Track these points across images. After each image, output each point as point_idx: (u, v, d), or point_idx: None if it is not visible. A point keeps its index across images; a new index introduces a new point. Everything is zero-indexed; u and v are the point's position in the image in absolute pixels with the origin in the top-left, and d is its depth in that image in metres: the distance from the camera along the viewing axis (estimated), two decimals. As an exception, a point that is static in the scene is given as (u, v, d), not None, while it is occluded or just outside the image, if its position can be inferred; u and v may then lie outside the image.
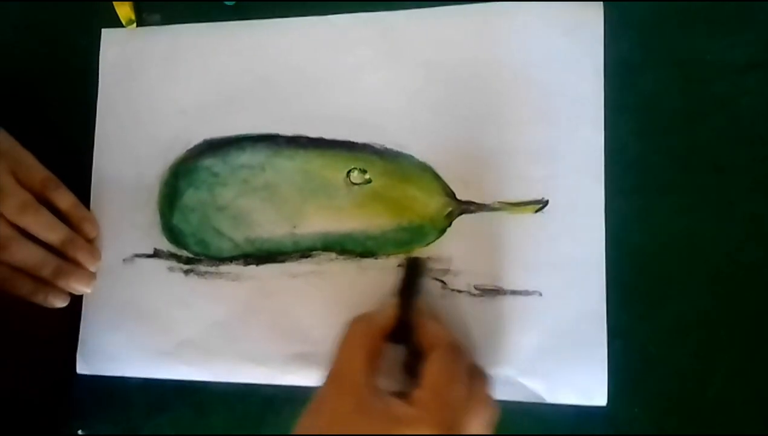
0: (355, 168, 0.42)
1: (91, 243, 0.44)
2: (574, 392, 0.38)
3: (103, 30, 0.47)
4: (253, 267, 0.43)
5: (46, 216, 0.42)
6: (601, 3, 0.40)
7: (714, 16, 0.40)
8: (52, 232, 0.42)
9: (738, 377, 0.38)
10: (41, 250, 0.42)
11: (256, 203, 0.43)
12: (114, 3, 0.46)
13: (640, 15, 0.40)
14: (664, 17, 0.40)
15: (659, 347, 0.38)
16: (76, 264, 0.43)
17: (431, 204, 0.41)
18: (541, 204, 0.40)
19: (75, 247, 0.43)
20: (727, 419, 0.38)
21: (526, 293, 0.39)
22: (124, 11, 0.46)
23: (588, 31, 0.40)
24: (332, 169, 0.43)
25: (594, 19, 0.40)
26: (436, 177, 0.41)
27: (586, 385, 0.38)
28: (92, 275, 0.44)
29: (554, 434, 0.39)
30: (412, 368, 0.35)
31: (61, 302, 0.43)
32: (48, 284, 0.43)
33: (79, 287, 0.43)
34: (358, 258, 0.42)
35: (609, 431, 0.38)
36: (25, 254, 0.42)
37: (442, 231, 0.41)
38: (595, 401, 0.38)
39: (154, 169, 0.45)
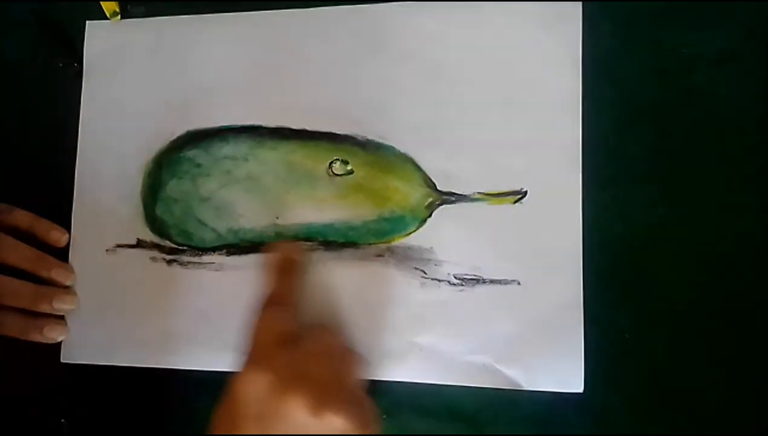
0: (337, 159, 0.43)
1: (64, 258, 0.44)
2: (551, 380, 0.39)
3: (87, 22, 0.47)
4: (236, 257, 0.43)
5: (7, 239, 0.42)
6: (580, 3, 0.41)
7: (690, 9, 0.40)
8: (18, 253, 0.42)
9: (713, 364, 0.38)
10: (13, 279, 0.42)
11: (239, 194, 0.44)
12: (98, -5, 0.46)
13: (617, 8, 0.41)
14: (641, 10, 0.41)
15: (635, 335, 0.39)
16: (54, 284, 0.43)
17: (412, 195, 0.42)
18: (519, 195, 0.40)
19: (46, 265, 0.43)
20: (702, 406, 0.38)
21: (505, 281, 0.40)
22: (108, 4, 0.46)
23: (566, 24, 0.41)
24: (314, 161, 0.43)
25: (572, 13, 0.41)
26: (417, 168, 0.42)
27: (563, 372, 0.39)
28: (73, 293, 0.44)
29: (532, 420, 0.40)
30: None
31: (59, 334, 0.43)
32: (38, 319, 0.43)
33: (62, 307, 0.43)
34: (340, 248, 0.42)
35: (585, 418, 0.39)
36: None
37: (423, 221, 0.41)
38: (572, 388, 0.39)
39: (138, 160, 0.45)
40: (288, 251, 0.41)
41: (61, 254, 0.45)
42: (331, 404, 0.33)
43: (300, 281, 0.41)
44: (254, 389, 0.34)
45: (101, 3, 0.46)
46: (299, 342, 0.36)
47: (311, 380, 0.34)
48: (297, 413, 0.33)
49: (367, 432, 0.34)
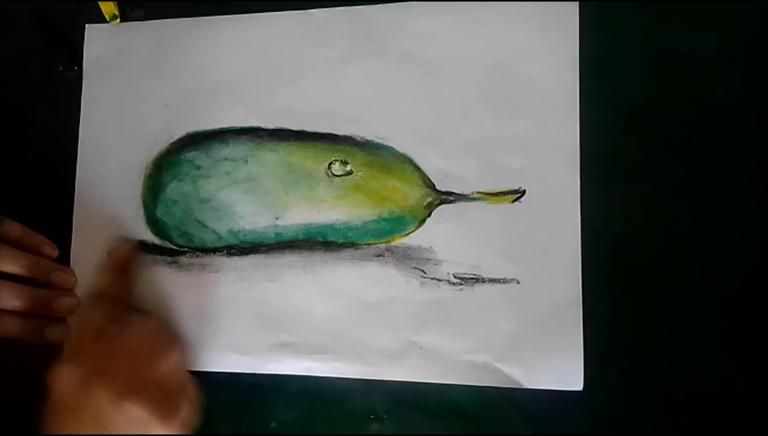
0: (336, 160, 0.43)
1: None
2: (551, 378, 0.39)
3: (87, 25, 0.47)
4: (236, 258, 0.43)
5: (3, 248, 0.42)
6: (577, 3, 0.41)
7: (687, 9, 0.41)
8: (15, 261, 0.42)
9: (712, 362, 0.38)
10: (12, 284, 0.42)
11: (239, 195, 0.44)
12: (98, -2, 0.46)
13: (614, 8, 0.41)
14: (638, 10, 0.41)
15: (634, 333, 0.39)
16: (54, 288, 0.43)
17: (411, 195, 0.42)
18: (518, 194, 0.41)
19: (44, 270, 0.43)
20: (702, 404, 0.38)
21: (504, 280, 0.40)
22: (107, 7, 0.46)
23: (563, 24, 0.41)
24: (314, 161, 0.43)
25: (569, 13, 0.41)
26: (416, 168, 0.42)
27: (563, 370, 0.39)
28: (72, 295, 0.44)
29: (532, 419, 0.40)
30: None
31: (60, 335, 0.43)
32: (39, 320, 0.43)
33: (62, 309, 0.43)
34: (340, 248, 0.42)
35: (585, 416, 0.39)
36: None
37: (422, 221, 0.41)
38: (572, 386, 0.39)
39: (138, 162, 0.45)
40: (124, 251, 0.44)
41: (63, 256, 0.45)
42: (131, 395, 0.35)
43: (130, 280, 0.43)
44: (64, 382, 0.36)
45: (100, 6, 0.46)
46: (115, 336, 0.38)
47: (115, 372, 0.36)
48: (100, 404, 0.35)
49: (172, 422, 0.36)
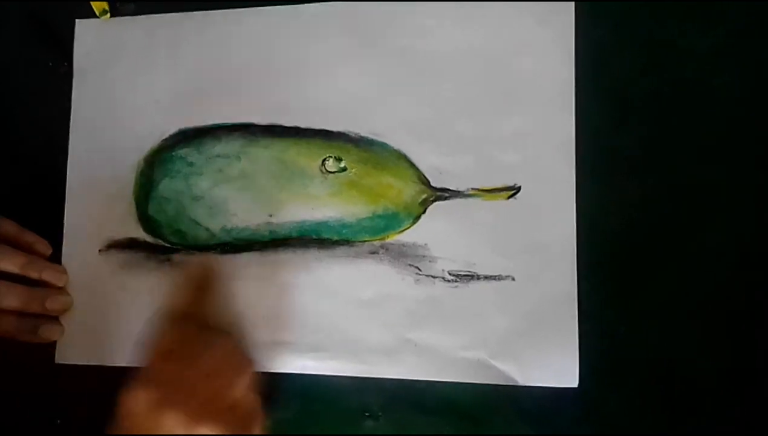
0: (330, 156, 0.43)
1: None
2: (546, 375, 0.39)
3: (77, 21, 0.47)
4: (230, 256, 0.43)
5: None
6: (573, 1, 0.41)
7: (683, 3, 0.40)
8: (7, 258, 0.42)
9: (708, 358, 0.38)
10: (4, 282, 0.41)
11: (232, 193, 0.43)
12: (87, -7, 0.46)
13: (610, 3, 0.41)
14: (634, 4, 0.41)
15: (629, 329, 0.39)
16: (46, 286, 0.43)
17: (406, 191, 0.41)
18: (513, 190, 0.40)
19: (37, 268, 0.43)
20: (697, 400, 0.38)
21: (500, 277, 0.40)
22: (98, 3, 0.46)
23: (559, 19, 0.41)
24: (307, 158, 0.43)
25: (565, 8, 0.41)
26: (411, 164, 0.42)
27: (558, 367, 0.39)
28: (65, 294, 0.44)
29: (527, 416, 0.40)
30: None
31: (53, 335, 0.43)
32: (32, 319, 0.43)
33: (55, 307, 0.43)
34: (334, 246, 0.42)
35: (580, 412, 0.39)
36: None
37: (417, 218, 0.41)
38: (567, 383, 0.39)
39: (129, 159, 0.45)
40: (202, 268, 0.43)
41: (54, 254, 0.44)
42: (205, 420, 0.34)
43: (207, 297, 0.42)
44: (137, 404, 0.34)
45: (90, 1, 0.46)
46: (191, 357, 0.37)
47: (190, 395, 0.35)
48: (173, 429, 0.33)
49: None
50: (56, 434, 0.45)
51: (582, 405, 0.39)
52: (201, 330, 0.40)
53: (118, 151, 0.45)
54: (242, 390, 0.37)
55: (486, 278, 0.40)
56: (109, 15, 0.46)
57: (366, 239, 0.42)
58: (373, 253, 0.41)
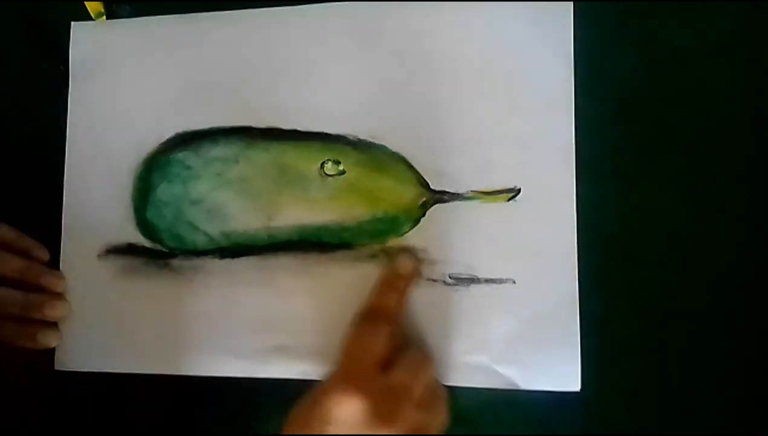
0: (328, 159, 0.42)
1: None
2: (548, 379, 0.39)
3: (72, 23, 0.46)
4: (228, 260, 0.43)
5: None
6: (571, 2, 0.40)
7: (682, 3, 0.40)
8: (5, 263, 0.42)
9: (710, 361, 0.38)
10: (3, 288, 0.41)
11: (231, 196, 0.43)
12: (83, -4, 0.45)
13: (608, 3, 0.40)
14: (632, 6, 0.40)
15: (632, 333, 0.39)
16: (44, 292, 0.43)
17: (405, 194, 0.41)
18: (513, 192, 0.40)
19: (35, 273, 0.43)
20: (700, 404, 0.38)
21: (500, 280, 0.40)
22: (93, 4, 0.45)
23: (558, 20, 0.40)
24: (306, 161, 0.43)
25: (564, 9, 0.40)
26: (410, 167, 0.41)
27: (560, 371, 0.39)
28: (64, 300, 0.44)
29: (529, 420, 0.39)
30: None
31: (52, 341, 0.43)
32: (32, 325, 0.42)
33: (54, 314, 0.43)
34: (334, 250, 0.42)
35: (583, 417, 0.39)
36: None
37: (417, 221, 0.41)
38: (569, 387, 0.38)
39: (127, 163, 0.44)
40: (405, 266, 0.40)
41: (52, 260, 0.44)
42: None
43: (406, 299, 0.40)
44: (348, 413, 0.33)
45: (86, 4, 0.45)
46: (394, 368, 0.35)
47: (404, 419, 0.33)
48: None
49: None
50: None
51: (584, 409, 0.39)
52: (402, 336, 0.38)
53: (115, 154, 0.45)
54: (442, 421, 0.36)
55: (486, 281, 0.40)
56: (105, 17, 0.46)
57: (366, 243, 0.41)
58: (373, 256, 0.41)
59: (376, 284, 0.40)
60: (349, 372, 0.35)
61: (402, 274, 0.39)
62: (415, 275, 0.40)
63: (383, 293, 0.39)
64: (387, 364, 0.35)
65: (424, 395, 0.35)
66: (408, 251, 0.40)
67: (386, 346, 0.36)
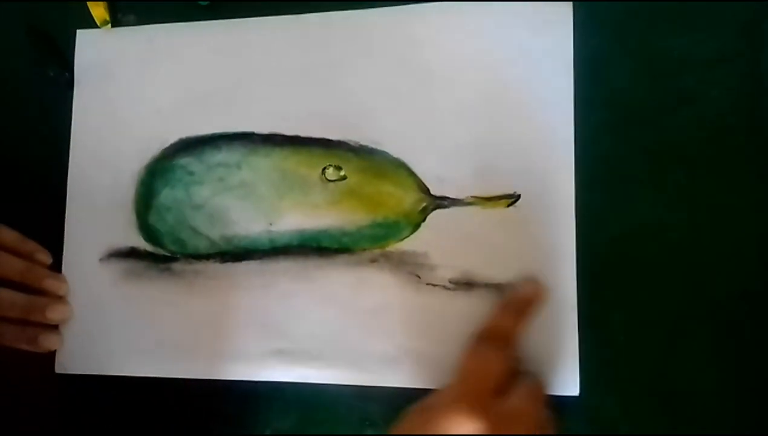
0: (330, 165, 0.43)
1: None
2: (548, 383, 0.39)
3: (78, 31, 0.47)
4: (230, 265, 0.43)
5: None
6: (571, 3, 0.41)
7: (681, 11, 0.41)
8: (7, 266, 0.42)
9: (709, 364, 0.38)
10: (5, 290, 0.41)
11: (232, 201, 0.43)
12: (88, 3, 0.46)
13: (608, 10, 0.41)
14: (632, 14, 0.41)
15: (630, 337, 0.39)
16: (46, 295, 0.43)
17: (406, 200, 0.42)
18: (513, 198, 0.40)
19: (37, 276, 0.43)
20: (699, 407, 0.38)
21: (500, 285, 0.40)
22: (98, 12, 0.46)
23: (557, 28, 0.41)
24: (307, 167, 0.43)
25: (563, 16, 0.41)
26: (410, 173, 0.42)
27: (559, 375, 0.39)
28: (65, 303, 0.44)
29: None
30: None
31: (53, 344, 0.43)
32: (33, 328, 0.42)
33: (55, 317, 0.43)
34: (334, 254, 0.42)
35: (582, 421, 0.39)
36: None
37: (417, 226, 0.41)
38: (568, 391, 0.39)
39: (130, 168, 0.45)
40: (532, 291, 0.39)
41: (54, 263, 0.44)
42: None
43: (527, 324, 0.38)
44: (462, 433, 0.32)
45: (91, 11, 0.46)
46: (512, 394, 0.34)
47: None
48: None
49: None
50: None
51: (583, 413, 0.39)
52: (517, 362, 0.37)
53: (118, 160, 0.45)
54: None
55: (486, 286, 0.40)
56: (110, 25, 0.46)
57: (366, 248, 0.42)
58: (374, 261, 0.41)
59: (497, 304, 0.39)
60: (466, 392, 0.34)
61: (526, 298, 0.39)
62: (540, 300, 0.38)
63: (504, 315, 0.38)
64: (502, 388, 0.34)
65: (537, 424, 0.34)
66: (532, 277, 0.39)
67: (504, 370, 0.35)
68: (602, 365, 0.39)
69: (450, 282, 0.41)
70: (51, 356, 0.44)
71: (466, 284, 0.40)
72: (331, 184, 0.43)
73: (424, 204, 0.41)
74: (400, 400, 0.40)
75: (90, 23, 0.46)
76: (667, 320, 0.39)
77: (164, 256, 0.44)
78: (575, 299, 0.39)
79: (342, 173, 0.42)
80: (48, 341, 0.43)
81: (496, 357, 0.35)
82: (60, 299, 0.44)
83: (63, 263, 0.45)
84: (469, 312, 0.40)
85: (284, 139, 0.43)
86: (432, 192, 0.41)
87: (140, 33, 0.46)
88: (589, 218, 0.40)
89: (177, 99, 0.45)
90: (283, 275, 0.42)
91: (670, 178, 0.40)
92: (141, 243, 0.44)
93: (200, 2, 0.45)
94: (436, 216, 0.41)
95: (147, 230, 0.44)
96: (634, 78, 0.41)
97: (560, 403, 0.38)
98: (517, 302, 0.38)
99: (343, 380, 0.41)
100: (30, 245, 0.44)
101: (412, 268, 0.41)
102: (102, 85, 0.46)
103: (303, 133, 0.43)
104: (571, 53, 0.41)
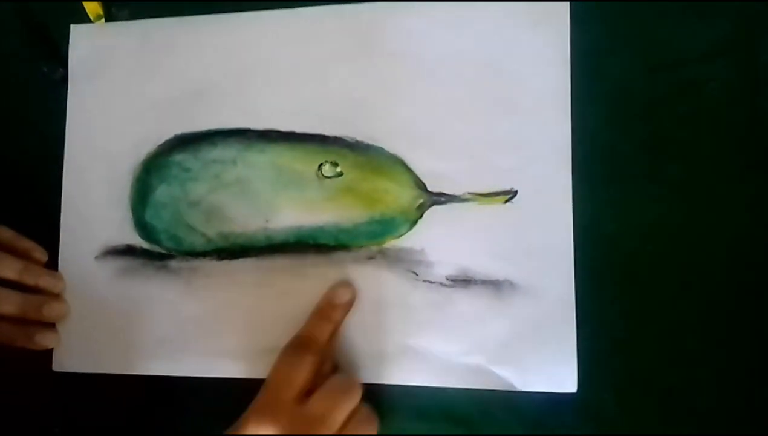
0: (326, 161, 0.42)
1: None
2: (545, 380, 0.39)
3: (71, 25, 0.46)
4: (226, 262, 0.43)
5: None
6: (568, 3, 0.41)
7: (679, 5, 0.40)
8: (3, 264, 0.42)
9: (706, 362, 0.38)
10: (3, 289, 0.41)
11: (229, 198, 0.43)
12: (82, -2, 0.45)
13: (605, 5, 0.41)
14: (629, 7, 0.41)
15: (628, 334, 0.39)
16: (43, 293, 0.43)
17: (402, 196, 0.41)
18: (510, 194, 0.40)
19: (33, 274, 0.43)
20: (696, 404, 0.38)
21: (497, 282, 0.40)
22: (92, 7, 0.46)
23: (554, 22, 0.41)
24: (304, 163, 0.43)
25: (560, 10, 0.41)
26: (407, 169, 0.41)
27: (556, 372, 0.39)
28: (62, 301, 0.44)
29: (526, 421, 0.40)
30: None
31: (50, 342, 0.43)
32: (30, 326, 0.42)
33: (52, 315, 0.43)
34: (331, 251, 0.42)
35: (579, 417, 0.39)
36: None
37: (414, 223, 0.41)
38: (566, 388, 0.38)
39: (126, 165, 0.45)
40: (341, 296, 0.40)
41: (51, 261, 0.44)
42: None
43: (337, 327, 0.40)
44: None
45: (85, 6, 0.45)
46: (312, 397, 0.36)
47: None
48: None
49: None
50: (54, 441, 0.44)
51: (581, 410, 0.39)
52: (328, 367, 0.39)
53: (114, 156, 0.45)
54: None
55: (483, 282, 0.40)
56: (104, 20, 0.46)
57: (363, 244, 0.42)
58: (371, 258, 0.41)
59: (311, 313, 0.40)
60: (267, 402, 0.36)
61: (337, 304, 0.40)
62: (351, 305, 0.40)
63: (315, 323, 0.40)
64: (310, 393, 0.36)
65: (347, 422, 0.36)
66: (347, 281, 0.41)
67: (310, 376, 0.37)
68: (600, 362, 0.39)
69: (447, 279, 0.40)
70: (48, 353, 0.44)
71: (463, 281, 0.40)
72: (328, 180, 0.42)
73: (421, 200, 0.41)
74: (399, 397, 0.40)
75: (84, 18, 0.46)
76: (664, 317, 0.39)
77: (160, 253, 0.44)
78: (573, 295, 0.39)
79: (338, 170, 0.42)
80: (45, 339, 0.43)
81: (301, 364, 0.37)
82: (56, 296, 0.44)
83: (59, 260, 0.45)
84: (466, 309, 0.40)
85: (280, 136, 0.43)
86: (429, 188, 0.41)
87: (134, 28, 0.46)
88: (587, 213, 0.39)
89: (172, 94, 0.45)
90: (279, 272, 0.42)
91: (669, 174, 0.40)
92: (137, 240, 0.44)
93: (194, -3, 0.45)
94: (433, 212, 0.41)
95: (143, 227, 0.44)
96: (631, 72, 0.40)
97: (558, 400, 0.38)
98: (328, 310, 0.40)
99: (340, 377, 0.41)
100: (26, 243, 0.43)
101: (409, 265, 0.41)
102: (96, 80, 0.46)
103: (299, 130, 0.43)
104: (568, 48, 0.40)
